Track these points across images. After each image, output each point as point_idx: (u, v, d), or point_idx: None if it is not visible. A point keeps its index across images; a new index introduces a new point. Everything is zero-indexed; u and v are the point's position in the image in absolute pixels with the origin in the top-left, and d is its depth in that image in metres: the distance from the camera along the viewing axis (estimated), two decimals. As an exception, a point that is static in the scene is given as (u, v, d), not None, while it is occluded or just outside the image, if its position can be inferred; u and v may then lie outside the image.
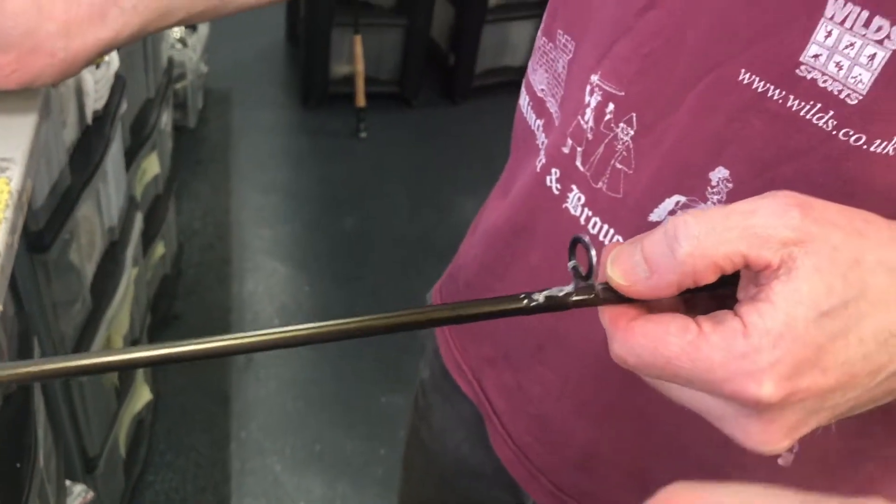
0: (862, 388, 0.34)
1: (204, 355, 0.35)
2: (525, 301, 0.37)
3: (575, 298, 0.37)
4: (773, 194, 0.35)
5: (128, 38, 0.62)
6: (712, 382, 0.34)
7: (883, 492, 0.56)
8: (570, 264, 0.37)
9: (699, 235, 0.34)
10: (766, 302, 0.33)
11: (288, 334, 0.36)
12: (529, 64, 0.61)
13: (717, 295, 0.37)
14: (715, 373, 0.33)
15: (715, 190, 0.45)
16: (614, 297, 0.36)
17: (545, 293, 0.37)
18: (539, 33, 0.59)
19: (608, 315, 0.37)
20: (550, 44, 0.56)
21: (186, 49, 2.45)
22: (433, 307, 0.37)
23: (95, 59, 0.63)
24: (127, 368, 0.35)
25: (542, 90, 0.58)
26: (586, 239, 0.36)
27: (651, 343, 0.35)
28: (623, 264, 0.36)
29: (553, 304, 0.37)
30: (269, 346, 0.36)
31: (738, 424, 0.35)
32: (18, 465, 0.77)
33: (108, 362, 0.34)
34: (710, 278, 0.35)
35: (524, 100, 0.62)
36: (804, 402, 0.34)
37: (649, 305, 0.37)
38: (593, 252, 0.35)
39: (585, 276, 0.36)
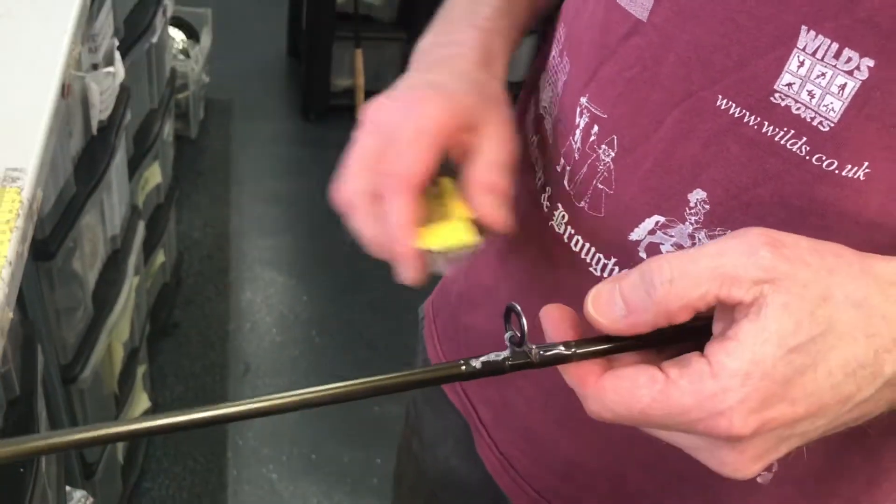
0: (832, 415, 0.36)
1: (194, 425, 0.36)
2: (464, 367, 0.38)
3: (512, 363, 0.38)
4: (744, 232, 0.37)
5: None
6: (686, 423, 0.35)
7: None
8: (507, 335, 0.38)
9: (672, 279, 0.36)
10: (733, 340, 0.35)
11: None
12: (540, 82, 0.63)
13: (681, 336, 0.39)
14: (688, 415, 0.35)
15: (693, 211, 0.47)
16: (552, 359, 0.38)
17: (482, 359, 0.38)
18: (553, 52, 0.61)
19: (575, 376, 0.38)
20: (561, 64, 0.58)
21: (189, 60, 2.47)
22: (378, 378, 0.38)
23: None
24: (116, 440, 0.35)
25: (544, 108, 0.60)
26: (518, 308, 0.37)
27: (623, 398, 0.36)
28: (602, 304, 0.38)
29: (490, 370, 0.38)
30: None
31: (713, 456, 0.37)
32: (21, 469, 0.78)
33: (100, 436, 0.34)
34: (685, 318, 0.36)
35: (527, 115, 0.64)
36: (774, 431, 0.35)
37: (610, 359, 0.39)
38: (524, 320, 0.37)
39: (520, 342, 0.38)
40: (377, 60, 2.80)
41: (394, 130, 0.48)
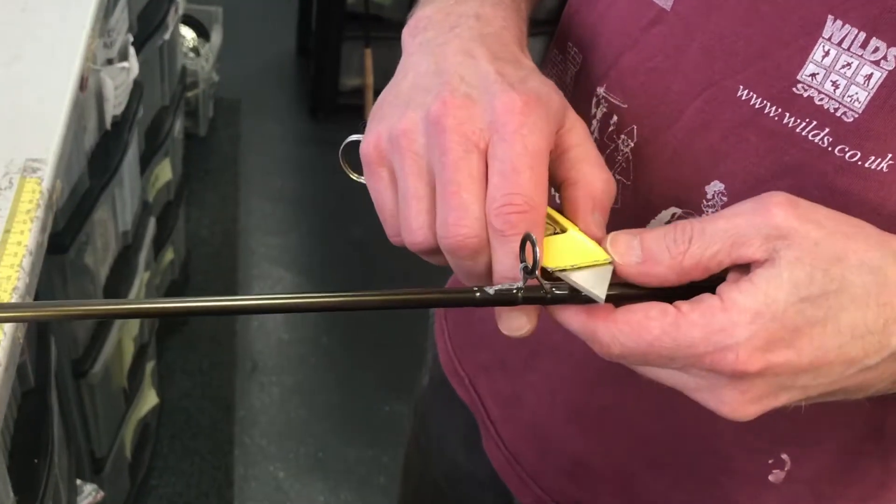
0: (835, 375, 0.37)
1: (206, 312, 0.38)
2: (478, 294, 0.38)
3: (525, 295, 0.38)
4: (764, 195, 0.38)
5: None
6: (693, 357, 0.36)
7: None
8: (521, 266, 0.38)
9: (692, 238, 0.37)
10: (747, 282, 0.36)
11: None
12: None
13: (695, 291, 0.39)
14: (696, 348, 0.36)
15: (710, 203, 0.47)
16: (565, 297, 0.38)
17: (496, 287, 0.38)
18: (551, 46, 0.61)
19: (586, 313, 0.39)
20: (561, 55, 0.58)
21: (199, 58, 2.47)
22: (391, 291, 0.38)
23: None
24: (134, 317, 0.38)
25: None
26: (534, 237, 0.37)
27: (633, 329, 0.37)
28: (620, 245, 0.39)
29: (502, 299, 0.38)
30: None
31: (714, 394, 0.37)
32: (36, 460, 0.78)
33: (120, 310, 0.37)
34: (699, 277, 0.38)
35: None
36: (777, 376, 0.36)
37: (616, 302, 0.39)
38: (538, 249, 0.37)
39: (531, 271, 0.38)
40: (386, 60, 2.80)
41: (496, 147, 0.40)
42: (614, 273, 0.39)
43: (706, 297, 0.37)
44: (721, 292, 0.36)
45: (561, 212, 0.42)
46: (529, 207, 0.38)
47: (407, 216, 0.42)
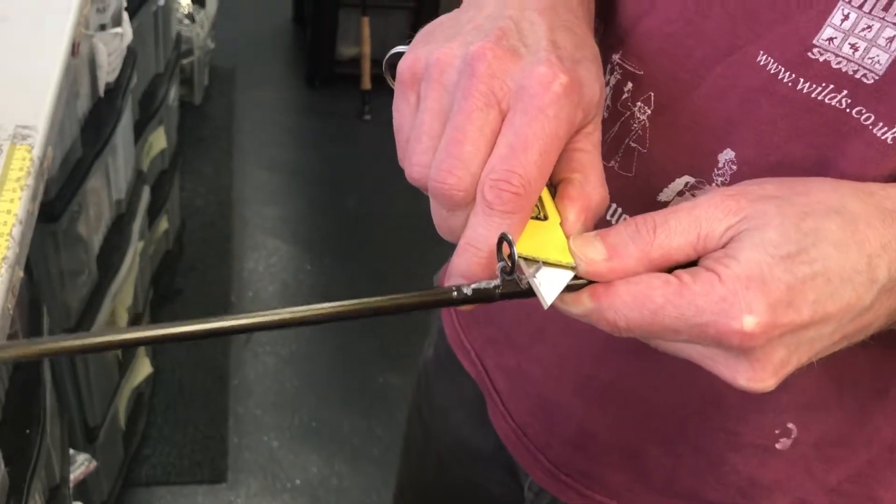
0: (836, 323, 0.36)
1: (200, 335, 0.36)
2: (455, 293, 0.38)
3: (502, 291, 0.38)
4: (710, 190, 0.38)
5: None
6: (699, 326, 0.36)
7: (880, 480, 0.57)
8: (499, 265, 0.38)
9: (655, 229, 0.37)
10: (729, 256, 0.36)
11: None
12: None
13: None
14: (700, 316, 0.35)
15: (720, 172, 0.46)
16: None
17: (473, 286, 0.38)
18: None
19: (587, 296, 0.38)
20: None
21: (194, 25, 2.44)
22: (369, 300, 0.38)
23: None
24: (124, 347, 0.36)
25: None
26: (509, 237, 0.37)
27: (637, 301, 0.36)
28: (583, 245, 0.38)
29: (480, 297, 0.38)
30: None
31: (728, 365, 0.37)
32: (28, 430, 0.78)
33: (108, 341, 0.35)
34: (664, 266, 0.38)
35: None
36: (783, 337, 0.36)
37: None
38: (515, 248, 0.37)
39: (510, 271, 0.37)
40: (384, 28, 2.77)
41: (515, 115, 0.38)
42: (577, 276, 0.38)
43: (702, 271, 0.36)
44: (711, 267, 0.36)
45: (553, 194, 0.41)
46: (525, 191, 0.37)
47: (414, 149, 0.41)
